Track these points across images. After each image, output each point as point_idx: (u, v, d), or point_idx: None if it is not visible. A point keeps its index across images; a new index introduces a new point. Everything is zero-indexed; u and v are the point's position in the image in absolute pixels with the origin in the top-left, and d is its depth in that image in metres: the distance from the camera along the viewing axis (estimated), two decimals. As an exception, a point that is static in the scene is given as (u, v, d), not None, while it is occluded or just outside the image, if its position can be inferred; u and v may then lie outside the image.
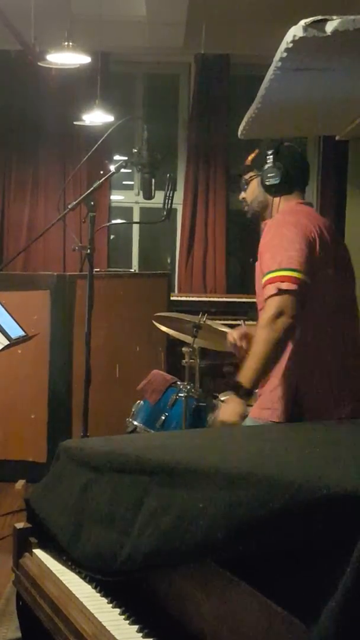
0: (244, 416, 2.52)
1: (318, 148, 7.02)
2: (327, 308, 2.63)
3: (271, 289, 2.45)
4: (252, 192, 2.84)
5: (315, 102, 2.39)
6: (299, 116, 2.75)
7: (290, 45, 1.61)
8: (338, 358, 2.65)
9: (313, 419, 2.58)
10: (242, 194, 2.90)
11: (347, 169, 3.37)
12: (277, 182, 2.71)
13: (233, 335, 2.85)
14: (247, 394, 2.49)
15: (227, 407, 2.53)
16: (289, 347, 2.58)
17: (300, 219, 2.60)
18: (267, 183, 2.73)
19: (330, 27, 1.54)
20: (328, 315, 2.64)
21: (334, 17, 1.54)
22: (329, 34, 1.55)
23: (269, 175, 2.72)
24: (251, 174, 2.83)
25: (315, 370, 2.62)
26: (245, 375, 2.48)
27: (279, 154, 2.72)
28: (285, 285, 2.44)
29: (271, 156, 2.71)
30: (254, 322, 2.87)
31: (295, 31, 1.58)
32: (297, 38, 1.58)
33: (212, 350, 4.37)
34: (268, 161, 2.71)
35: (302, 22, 1.56)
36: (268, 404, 2.65)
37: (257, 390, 2.71)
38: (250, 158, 2.85)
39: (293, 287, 2.44)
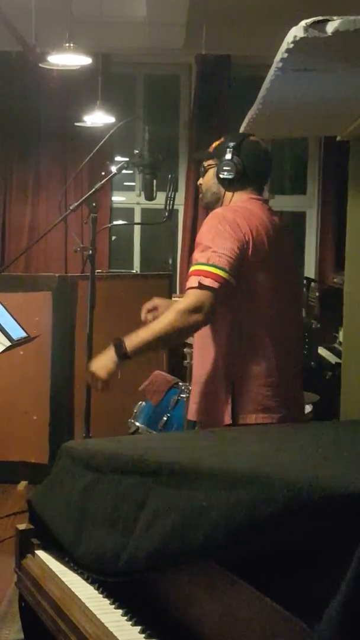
0: (112, 374, 2.52)
1: (319, 148, 7.01)
2: (263, 312, 2.59)
3: (193, 281, 2.44)
4: (207, 181, 2.80)
5: (317, 102, 2.39)
6: (300, 117, 2.75)
7: (291, 45, 1.61)
8: (272, 364, 2.58)
9: (259, 420, 2.55)
10: (200, 180, 2.86)
11: (348, 169, 3.38)
12: (230, 177, 2.66)
13: (145, 306, 2.85)
14: (123, 357, 2.49)
15: (101, 359, 2.55)
16: (224, 350, 2.58)
17: (238, 219, 2.54)
18: (220, 176, 2.68)
19: (331, 27, 1.54)
20: (264, 320, 2.59)
21: (335, 18, 1.54)
22: (330, 34, 1.54)
23: (224, 168, 2.67)
24: (210, 162, 2.78)
25: (248, 374, 2.58)
26: (132, 341, 2.48)
27: (239, 148, 2.66)
28: (207, 282, 2.42)
29: (231, 150, 2.66)
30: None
31: (296, 31, 1.58)
32: (297, 38, 1.58)
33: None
34: (227, 154, 2.67)
35: (303, 23, 1.56)
36: (203, 405, 2.64)
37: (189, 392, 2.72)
38: (213, 145, 2.80)
39: (215, 285, 2.42)
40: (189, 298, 2.44)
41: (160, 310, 2.73)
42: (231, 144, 2.67)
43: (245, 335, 2.58)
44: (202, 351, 2.68)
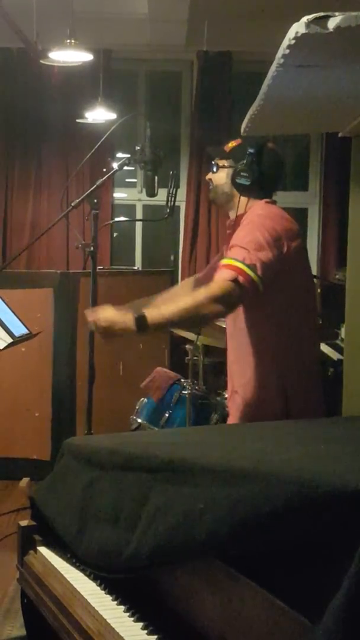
0: (114, 334, 2.47)
1: (321, 145, 7.00)
2: (305, 313, 2.71)
3: (228, 274, 2.45)
4: (219, 179, 2.81)
5: (318, 98, 2.38)
6: (302, 113, 2.74)
7: (293, 41, 1.61)
8: (316, 366, 2.75)
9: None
10: (210, 175, 2.87)
11: (350, 166, 3.37)
12: (247, 183, 2.68)
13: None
14: (140, 329, 2.42)
15: (121, 318, 2.46)
16: (272, 355, 2.62)
17: (277, 226, 2.59)
18: (237, 181, 2.70)
19: (332, 23, 1.54)
20: (307, 321, 2.72)
21: (337, 14, 1.54)
22: (332, 30, 1.54)
23: (242, 174, 2.68)
24: (225, 162, 2.80)
25: (301, 379, 2.66)
26: (154, 316, 2.42)
27: (259, 156, 2.69)
28: (241, 279, 2.43)
29: (251, 156, 2.68)
30: None
31: (298, 28, 1.57)
32: (299, 34, 1.57)
33: (215, 347, 4.37)
34: (246, 159, 2.68)
35: (305, 19, 1.56)
36: (262, 412, 2.64)
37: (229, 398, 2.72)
38: (230, 145, 2.81)
39: (246, 285, 2.43)
40: (219, 287, 2.44)
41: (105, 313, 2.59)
42: (251, 151, 2.69)
43: (293, 338, 2.64)
44: (245, 358, 2.69)
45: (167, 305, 2.50)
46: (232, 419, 2.76)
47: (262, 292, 2.48)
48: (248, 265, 2.45)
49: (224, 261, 2.50)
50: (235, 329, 2.72)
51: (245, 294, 2.45)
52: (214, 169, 2.85)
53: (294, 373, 2.63)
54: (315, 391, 2.70)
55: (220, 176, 2.81)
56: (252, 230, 2.56)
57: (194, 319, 2.50)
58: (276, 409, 2.60)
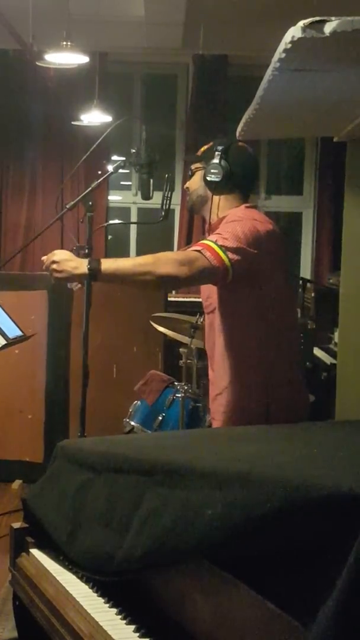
0: (68, 279, 2.48)
1: (316, 149, 7.02)
2: (287, 317, 2.70)
3: (196, 247, 2.44)
4: (195, 184, 2.82)
5: (314, 103, 2.39)
6: (297, 117, 2.74)
7: (289, 46, 1.61)
8: (298, 370, 2.75)
9: (286, 417, 2.58)
10: (188, 183, 2.89)
11: (344, 170, 3.38)
12: (217, 179, 2.68)
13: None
14: (91, 275, 2.40)
15: (69, 254, 2.49)
16: (256, 358, 2.61)
17: (257, 227, 2.57)
18: (207, 179, 2.71)
19: (328, 28, 1.54)
20: (288, 325, 2.71)
21: (333, 18, 1.54)
22: (328, 34, 1.54)
23: (211, 171, 2.69)
24: (198, 165, 2.81)
25: (282, 382, 2.64)
26: (109, 264, 2.40)
27: (227, 152, 2.70)
28: (208, 254, 2.41)
29: (219, 153, 2.69)
30: None
31: (294, 32, 1.57)
32: (295, 39, 1.57)
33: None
34: (215, 157, 2.70)
35: (301, 23, 1.56)
36: (244, 415, 2.63)
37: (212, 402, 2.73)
38: (202, 149, 2.84)
39: (214, 263, 2.40)
40: (184, 253, 2.44)
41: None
42: (219, 148, 2.71)
43: (275, 341, 2.63)
44: (226, 362, 2.67)
45: (127, 259, 2.48)
46: (216, 423, 2.75)
47: (231, 281, 2.44)
48: (219, 246, 2.43)
49: (201, 241, 2.49)
50: (213, 331, 2.72)
51: (211, 271, 2.41)
52: (189, 175, 2.88)
53: (275, 376, 2.62)
54: (296, 394, 2.69)
55: (195, 180, 2.83)
56: (232, 226, 2.55)
57: (149, 276, 2.39)
58: (256, 413, 2.59)
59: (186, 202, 2.97)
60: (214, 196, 2.73)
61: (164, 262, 2.41)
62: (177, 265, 2.39)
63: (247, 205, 2.74)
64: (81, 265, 2.43)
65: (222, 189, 2.71)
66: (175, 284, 2.45)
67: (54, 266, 2.48)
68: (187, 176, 2.92)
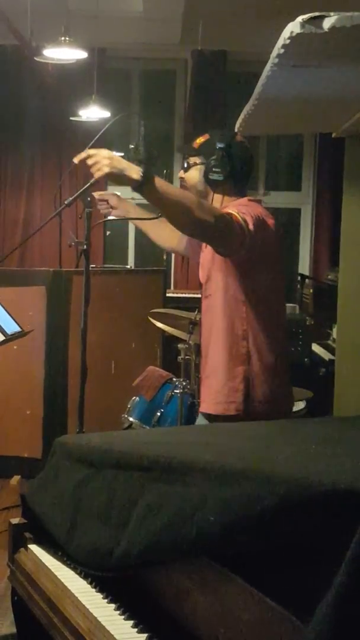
0: (114, 169, 2.29)
1: (314, 145, 7.02)
2: (274, 306, 2.71)
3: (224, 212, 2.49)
4: (192, 178, 2.80)
5: (312, 99, 2.38)
6: (296, 113, 2.74)
7: (288, 41, 1.60)
8: (282, 357, 2.71)
9: (266, 410, 2.62)
10: (182, 174, 2.85)
11: (343, 166, 3.37)
12: (220, 179, 2.69)
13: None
14: (142, 181, 2.27)
15: (120, 160, 2.32)
16: (240, 340, 2.63)
17: (259, 215, 2.60)
18: (210, 177, 2.70)
19: (327, 23, 1.53)
20: (275, 313, 2.72)
21: (332, 14, 1.54)
22: (327, 30, 1.54)
23: (214, 170, 2.68)
24: (196, 159, 2.78)
25: (266, 361, 2.65)
26: (162, 183, 2.33)
27: (229, 150, 2.69)
28: (235, 219, 2.45)
29: (221, 151, 2.67)
30: None
31: (293, 27, 1.57)
32: (294, 34, 1.57)
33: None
34: (216, 155, 2.68)
35: (300, 19, 1.55)
36: (223, 397, 2.66)
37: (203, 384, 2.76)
38: (198, 142, 2.80)
39: (241, 226, 2.45)
40: (219, 210, 2.49)
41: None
42: (220, 145, 2.68)
43: (261, 327, 2.65)
44: (213, 346, 2.72)
45: (177, 188, 2.53)
46: (203, 406, 2.76)
47: (245, 252, 2.49)
48: (240, 216, 2.48)
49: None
50: (209, 314, 2.74)
51: (238, 231, 2.44)
52: (185, 167, 2.84)
53: (256, 366, 2.65)
54: (277, 388, 2.70)
55: (192, 175, 2.80)
56: (243, 208, 2.59)
57: (187, 213, 2.37)
58: (237, 401, 2.62)
59: None
60: (215, 194, 2.74)
61: (206, 208, 2.43)
62: (213, 216, 2.41)
63: (250, 198, 2.75)
64: (134, 169, 2.29)
65: (223, 187, 2.71)
66: (203, 232, 2.45)
67: (106, 161, 2.28)
68: (183, 166, 2.88)
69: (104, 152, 2.32)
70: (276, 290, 2.73)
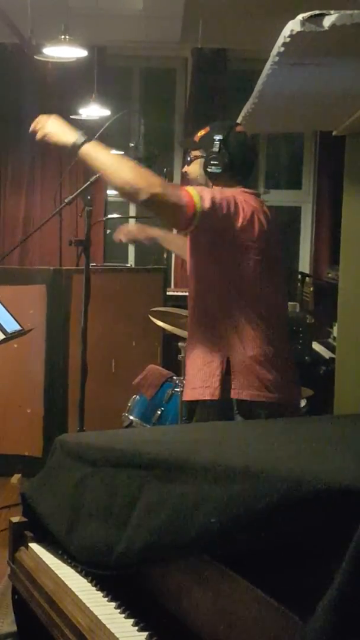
0: (55, 139, 2.59)
1: (315, 143, 7.01)
2: (254, 295, 2.64)
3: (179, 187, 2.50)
4: (194, 172, 2.81)
5: (313, 97, 2.39)
6: (296, 111, 2.74)
7: (288, 39, 1.61)
8: (265, 346, 2.63)
9: (254, 398, 2.58)
10: (186, 168, 2.87)
11: (343, 164, 3.37)
12: (218, 171, 2.69)
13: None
14: (80, 142, 2.52)
15: (64, 124, 2.62)
16: (218, 325, 2.62)
17: (237, 196, 2.59)
18: (208, 170, 2.70)
19: (328, 21, 1.54)
20: (255, 303, 2.65)
21: (332, 12, 1.54)
22: (327, 28, 1.54)
23: (212, 162, 2.69)
24: (197, 153, 2.79)
25: (254, 352, 2.61)
26: (94, 151, 2.50)
27: (227, 142, 2.68)
28: (184, 193, 2.44)
29: (218, 143, 2.68)
30: None
31: (293, 25, 1.57)
32: (294, 32, 1.57)
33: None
34: (214, 147, 2.68)
35: (300, 17, 1.56)
36: (199, 382, 2.64)
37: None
38: (199, 135, 2.81)
39: (186, 201, 2.43)
40: (160, 179, 2.48)
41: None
42: (218, 137, 2.68)
43: (249, 319, 2.61)
44: (196, 331, 2.72)
45: (113, 154, 2.53)
46: (186, 392, 2.76)
47: (196, 227, 2.48)
48: (197, 194, 2.46)
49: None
50: (190, 296, 2.74)
51: (179, 207, 2.42)
52: (187, 160, 2.86)
53: (239, 354, 2.62)
54: (276, 375, 2.64)
55: (194, 168, 2.81)
56: (217, 190, 2.59)
57: (116, 177, 2.45)
58: (214, 383, 2.60)
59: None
60: (215, 186, 2.72)
61: (145, 178, 2.42)
62: (149, 179, 2.41)
63: (245, 190, 2.71)
64: (69, 134, 2.57)
65: (222, 179, 2.71)
66: (134, 197, 2.48)
67: (47, 124, 2.62)
68: (186, 160, 2.89)
69: (45, 117, 2.63)
70: (270, 285, 2.67)
